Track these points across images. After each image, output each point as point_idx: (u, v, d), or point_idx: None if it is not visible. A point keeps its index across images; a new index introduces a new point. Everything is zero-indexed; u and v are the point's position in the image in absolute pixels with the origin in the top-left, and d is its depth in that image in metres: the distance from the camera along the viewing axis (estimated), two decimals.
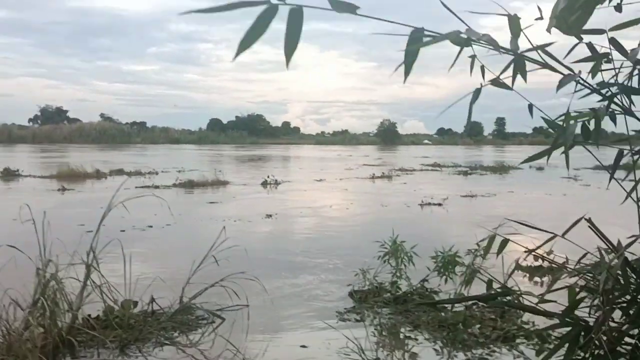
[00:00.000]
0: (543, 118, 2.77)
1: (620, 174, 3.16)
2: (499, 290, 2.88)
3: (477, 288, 6.81)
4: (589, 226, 3.19)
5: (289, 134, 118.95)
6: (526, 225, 3.43)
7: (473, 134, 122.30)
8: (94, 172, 25.31)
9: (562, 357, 2.92)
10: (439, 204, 16.46)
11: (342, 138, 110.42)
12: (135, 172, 26.95)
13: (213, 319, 6.08)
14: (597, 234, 3.22)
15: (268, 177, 22.89)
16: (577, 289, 3.16)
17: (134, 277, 6.24)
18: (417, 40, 2.14)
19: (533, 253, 3.42)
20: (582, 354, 3.00)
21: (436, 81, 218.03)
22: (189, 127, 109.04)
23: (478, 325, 5.86)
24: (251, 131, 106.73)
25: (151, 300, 6.06)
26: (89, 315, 5.67)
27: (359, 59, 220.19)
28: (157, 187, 20.60)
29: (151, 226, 12.15)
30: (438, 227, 13.03)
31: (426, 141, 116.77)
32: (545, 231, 3.15)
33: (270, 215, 14.00)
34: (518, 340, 5.54)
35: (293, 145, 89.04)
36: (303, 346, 5.41)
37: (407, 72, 2.16)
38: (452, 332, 5.68)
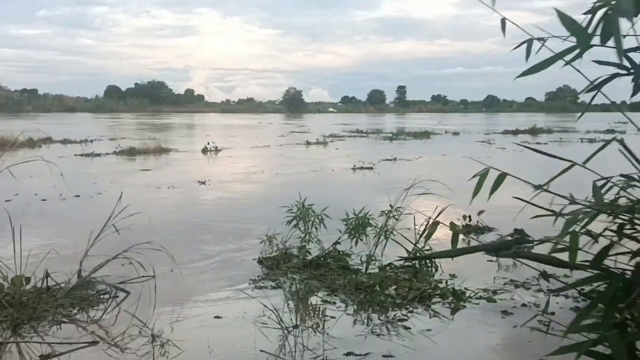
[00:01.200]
0: (560, 15, 2.30)
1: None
2: (514, 237, 2.44)
3: (391, 250, 6.86)
4: (620, 149, 2.89)
5: (192, 102, 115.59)
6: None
7: (375, 101, 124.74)
8: (26, 140, 23.23)
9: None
10: (370, 168, 17.03)
11: (248, 106, 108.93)
12: (66, 141, 25.82)
13: (116, 293, 5.64)
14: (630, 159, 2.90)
15: (208, 144, 22.58)
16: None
17: (27, 252, 5.65)
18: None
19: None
20: (618, 316, 2.61)
21: (339, 49, 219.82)
22: (84, 95, 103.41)
23: (394, 287, 5.82)
24: (152, 99, 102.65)
25: (45, 275, 5.52)
26: None
27: (263, 25, 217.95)
28: (98, 154, 20.28)
29: (63, 198, 11.34)
30: (363, 189, 13.19)
31: (331, 109, 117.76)
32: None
33: (204, 182, 13.76)
34: (434, 300, 5.56)
35: (198, 114, 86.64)
36: (217, 317, 5.12)
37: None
38: (369, 295, 5.60)
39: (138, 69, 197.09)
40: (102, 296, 5.58)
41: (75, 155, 20.08)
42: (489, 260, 6.84)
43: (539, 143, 28.44)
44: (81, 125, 44.45)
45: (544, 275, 2.84)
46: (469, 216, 8.61)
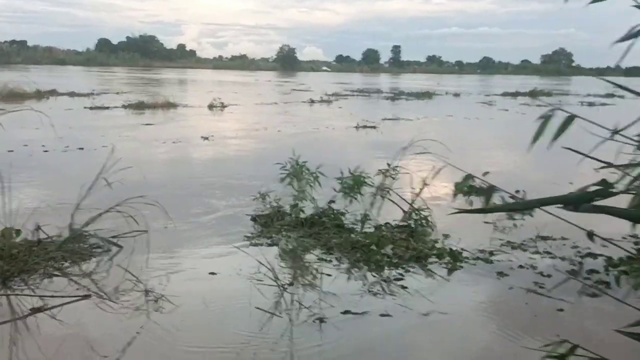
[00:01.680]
0: None
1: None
2: (598, 188, 2.03)
3: (387, 209, 6.79)
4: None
5: (184, 57, 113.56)
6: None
7: (370, 61, 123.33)
8: (34, 92, 23.52)
9: None
10: (373, 127, 17.06)
11: (241, 63, 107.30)
12: (73, 94, 25.66)
13: (109, 248, 5.55)
14: None
15: (214, 100, 22.61)
16: None
17: (18, 203, 5.53)
18: None
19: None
20: None
21: (335, 7, 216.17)
22: (74, 48, 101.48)
23: (391, 246, 5.76)
24: (143, 53, 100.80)
25: (36, 227, 5.40)
26: None
27: None
28: (107, 107, 20.22)
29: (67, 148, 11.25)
30: (366, 148, 13.17)
31: (325, 68, 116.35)
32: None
33: (207, 138, 13.71)
34: (430, 260, 5.51)
35: (190, 70, 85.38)
36: (212, 273, 5.05)
37: None
38: (365, 254, 5.54)
39: (129, 22, 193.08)
40: (94, 250, 5.49)
41: (85, 107, 20.09)
42: (486, 222, 6.79)
43: (539, 105, 28.25)
44: (76, 79, 43.71)
45: (590, 236, 2.61)
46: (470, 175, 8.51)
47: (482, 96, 36.50)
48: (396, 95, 34.34)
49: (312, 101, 27.18)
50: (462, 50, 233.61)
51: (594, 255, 5.74)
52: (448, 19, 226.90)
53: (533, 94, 38.41)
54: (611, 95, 36.55)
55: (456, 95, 37.05)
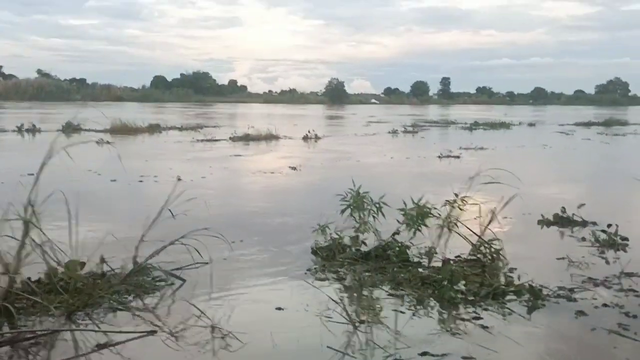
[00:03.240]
0: None
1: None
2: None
3: (454, 242, 6.46)
4: None
5: (235, 92, 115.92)
6: None
7: (418, 93, 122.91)
8: (146, 127, 25.93)
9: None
10: (457, 157, 17.28)
11: (290, 97, 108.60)
12: (182, 128, 28.01)
13: (172, 281, 5.43)
14: None
15: (308, 132, 23.97)
16: None
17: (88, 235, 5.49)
18: None
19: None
20: None
21: (383, 40, 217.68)
22: (131, 85, 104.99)
23: (463, 282, 5.43)
24: (197, 89, 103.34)
25: (101, 260, 5.33)
26: (29, 279, 4.92)
27: (307, 16, 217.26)
28: (217, 140, 21.74)
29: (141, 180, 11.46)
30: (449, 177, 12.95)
31: (373, 100, 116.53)
32: None
33: (295, 168, 14.17)
34: (508, 297, 5.14)
35: (241, 104, 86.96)
36: (279, 308, 4.83)
37: None
38: (437, 290, 5.23)
39: (183, 60, 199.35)
40: (157, 283, 5.37)
41: (197, 140, 21.58)
42: (559, 258, 6.39)
43: (617, 135, 29.02)
44: (151, 114, 44.69)
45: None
46: (564, 208, 8.33)
47: (557, 125, 36.26)
48: (472, 126, 34.17)
49: (395, 132, 28.24)
50: (513, 81, 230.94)
51: None
52: (498, 50, 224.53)
53: (608, 123, 38.00)
54: None
55: (531, 125, 37.03)
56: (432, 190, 6.72)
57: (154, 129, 26.08)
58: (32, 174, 5.10)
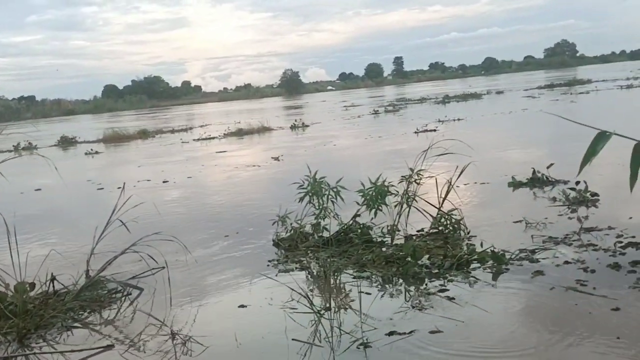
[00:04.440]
0: None
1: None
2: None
3: (415, 217, 6.38)
4: None
5: (190, 93, 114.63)
6: None
7: (373, 75, 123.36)
8: (137, 133, 27.11)
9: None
10: (434, 130, 17.40)
11: (246, 92, 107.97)
12: (174, 130, 29.60)
13: (129, 291, 5.22)
14: None
15: (295, 121, 25.38)
16: None
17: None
18: None
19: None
20: None
21: (333, 26, 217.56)
22: (82, 97, 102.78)
23: (427, 256, 5.36)
24: (150, 94, 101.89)
25: (51, 278, 5.09)
26: None
27: (254, 10, 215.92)
28: (213, 138, 22.76)
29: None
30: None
31: (330, 87, 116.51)
32: None
33: (277, 158, 14.42)
34: (472, 266, 5.09)
35: (197, 105, 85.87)
36: (241, 306, 4.68)
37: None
38: (401, 267, 5.15)
39: (133, 66, 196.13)
40: (114, 295, 5.16)
41: (194, 140, 22.69)
42: (516, 222, 6.38)
43: (581, 93, 30.16)
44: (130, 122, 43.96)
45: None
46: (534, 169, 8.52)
47: (522, 91, 37.30)
48: (445, 99, 35.51)
49: (376, 112, 29.82)
50: (464, 54, 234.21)
51: (635, 245, 5.25)
52: (446, 25, 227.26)
53: (571, 83, 40.33)
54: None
55: (499, 92, 38.68)
56: (404, 167, 6.57)
57: (146, 134, 27.18)
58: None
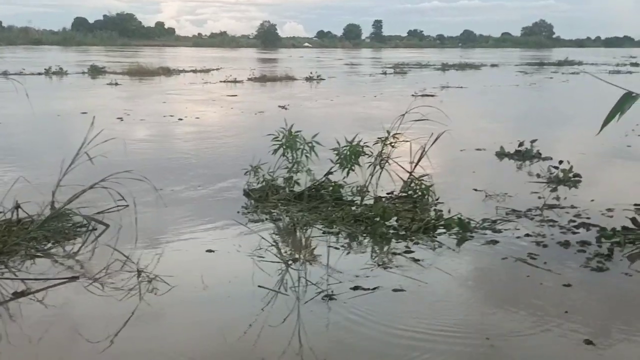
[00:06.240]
0: None
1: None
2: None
3: (387, 180, 6.45)
4: None
5: (163, 35, 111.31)
6: None
7: (351, 36, 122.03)
8: (160, 69, 28.02)
9: None
10: (432, 95, 17.96)
11: (221, 40, 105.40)
12: (193, 70, 29.87)
13: (95, 226, 5.17)
14: None
15: (311, 73, 25.70)
16: None
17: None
18: None
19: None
20: None
21: None
22: (50, 28, 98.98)
23: (395, 218, 5.45)
24: (121, 32, 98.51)
25: (15, 206, 5.00)
26: None
27: None
28: (239, 81, 23.25)
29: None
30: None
31: (306, 44, 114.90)
32: None
33: (284, 107, 14.65)
34: (438, 231, 5.21)
35: (170, 48, 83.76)
36: (209, 250, 4.69)
37: None
38: (370, 226, 5.23)
39: (106, 2, 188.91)
40: (78, 229, 5.11)
41: (220, 82, 23.12)
42: (475, 190, 6.53)
43: (573, 73, 31.27)
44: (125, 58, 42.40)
45: None
46: (522, 142, 8.77)
47: (513, 66, 38.68)
48: (445, 67, 35.92)
49: (385, 73, 30.44)
50: (443, 24, 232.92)
51: (586, 226, 5.45)
52: None
53: (560, 63, 41.84)
54: (636, 65, 40.05)
55: (494, 65, 39.46)
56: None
57: (171, 72, 28.23)
58: None
